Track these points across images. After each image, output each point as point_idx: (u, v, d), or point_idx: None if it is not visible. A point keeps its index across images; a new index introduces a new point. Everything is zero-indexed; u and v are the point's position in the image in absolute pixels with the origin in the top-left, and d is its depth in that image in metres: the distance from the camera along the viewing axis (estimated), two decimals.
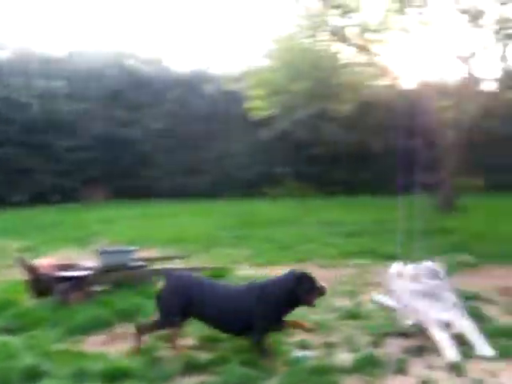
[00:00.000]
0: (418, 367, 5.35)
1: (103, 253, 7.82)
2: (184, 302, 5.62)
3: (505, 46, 15.27)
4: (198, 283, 5.82)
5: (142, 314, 6.77)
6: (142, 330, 5.74)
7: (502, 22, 14.66)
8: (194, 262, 9.66)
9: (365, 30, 15.27)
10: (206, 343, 5.93)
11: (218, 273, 8.65)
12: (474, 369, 5.30)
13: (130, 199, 20.44)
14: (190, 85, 22.93)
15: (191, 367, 5.27)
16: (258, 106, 17.58)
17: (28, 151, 20.88)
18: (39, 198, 20.57)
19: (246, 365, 5.23)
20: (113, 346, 5.91)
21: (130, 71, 22.82)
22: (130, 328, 6.34)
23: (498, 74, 15.82)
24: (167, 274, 5.99)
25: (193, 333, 6.19)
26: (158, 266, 8.51)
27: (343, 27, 15.66)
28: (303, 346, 5.87)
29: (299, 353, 5.73)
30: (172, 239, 12.31)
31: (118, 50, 23.27)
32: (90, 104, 21.51)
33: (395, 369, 5.28)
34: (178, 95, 22.63)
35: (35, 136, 20.98)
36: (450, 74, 20.37)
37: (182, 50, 46.55)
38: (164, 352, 5.65)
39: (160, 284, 6.28)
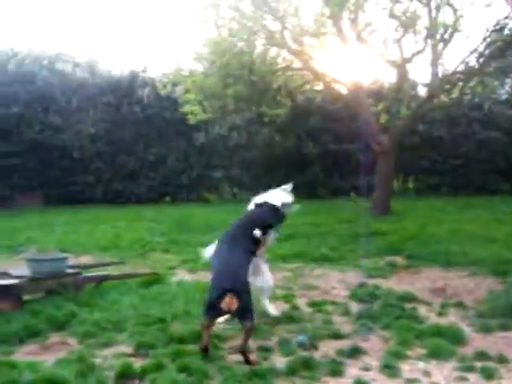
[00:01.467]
0: (353, 369, 5.45)
1: (32, 260, 7.66)
2: None
3: (436, 50, 15.66)
4: None
5: (76, 322, 6.69)
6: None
7: (433, 28, 15.04)
8: (129, 268, 9.60)
9: (300, 34, 15.37)
10: (140, 349, 5.87)
11: (153, 278, 8.60)
12: (407, 369, 5.43)
13: (64, 206, 20.04)
14: (125, 89, 22.67)
15: (126, 375, 5.22)
16: (194, 111, 17.52)
17: None
18: None
19: (182, 371, 5.22)
20: (46, 356, 5.78)
21: (63, 74, 22.39)
22: (62, 337, 6.29)
23: (430, 79, 16.17)
24: None
25: (125, 341, 6.16)
26: (91, 272, 8.43)
27: (279, 31, 15.75)
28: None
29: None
30: (107, 245, 12.14)
31: (50, 52, 22.78)
32: (20, 108, 20.98)
33: (330, 371, 5.34)
34: (112, 99, 22.34)
35: None
36: (385, 78, 20.86)
37: (117, 54, 46.06)
38: (99, 360, 5.58)
39: None
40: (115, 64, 24.29)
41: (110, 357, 5.70)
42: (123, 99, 22.39)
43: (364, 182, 18.69)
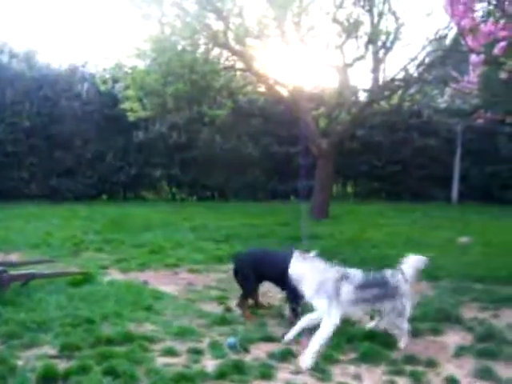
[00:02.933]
0: (283, 372, 5.40)
1: None
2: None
3: (377, 57, 15.82)
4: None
5: (0, 321, 6.41)
6: (241, 304, 7.23)
7: (375, 34, 15.18)
8: (60, 267, 9.32)
9: (244, 35, 15.29)
10: (65, 351, 5.66)
11: (83, 278, 8.36)
12: (338, 373, 5.43)
13: None
14: (64, 83, 22.14)
15: (48, 377, 5.02)
16: (133, 108, 17.23)
17: None
18: None
19: (108, 374, 5.07)
20: None
21: None
22: None
23: (370, 85, 16.35)
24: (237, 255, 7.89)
25: (50, 342, 5.93)
26: (19, 271, 8.13)
27: (222, 31, 15.64)
28: (168, 352, 5.76)
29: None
30: (38, 243, 11.77)
31: None
32: None
33: (260, 374, 5.28)
34: (50, 93, 21.78)
35: None
36: (326, 83, 20.97)
37: (57, 46, 45.08)
38: (22, 361, 5.36)
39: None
40: (54, 57, 23.72)
41: (32, 358, 5.49)
42: (62, 94, 21.85)
43: (304, 185, 18.74)
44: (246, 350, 5.89)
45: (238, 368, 5.36)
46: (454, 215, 17.90)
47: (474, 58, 8.11)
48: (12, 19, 43.74)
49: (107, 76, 19.19)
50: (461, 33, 8.90)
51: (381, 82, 16.10)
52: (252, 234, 13.41)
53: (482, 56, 7.94)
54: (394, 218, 16.94)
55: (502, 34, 7.49)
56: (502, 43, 7.61)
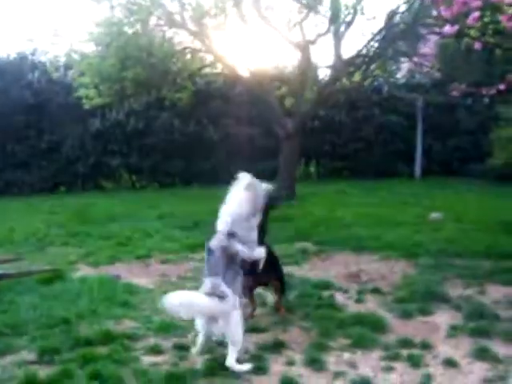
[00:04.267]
0: (276, 364, 5.17)
1: None
2: None
3: (338, 33, 15.63)
4: None
5: None
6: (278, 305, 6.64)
7: (336, 10, 14.97)
8: (27, 264, 8.90)
9: (200, 14, 14.91)
10: (44, 356, 5.32)
11: (53, 275, 7.96)
12: (333, 361, 5.23)
13: None
14: (14, 72, 21.38)
15: None
16: (89, 95, 16.70)
17: None
18: None
19: (94, 378, 4.77)
20: None
21: None
22: None
23: (333, 61, 16.14)
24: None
25: (27, 346, 5.58)
26: None
27: (178, 12, 15.23)
28: (153, 350, 5.46)
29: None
30: (0, 240, 11.30)
31: None
32: None
33: (253, 368, 5.04)
34: None
35: None
36: (288, 62, 20.72)
37: (2, 35, 43.73)
38: None
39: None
40: (1, 46, 22.90)
41: (9, 366, 5.14)
42: (12, 84, 21.09)
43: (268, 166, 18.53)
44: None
45: None
46: (419, 191, 17.88)
47: (447, 28, 7.97)
48: None
49: (59, 63, 18.56)
50: (434, 2, 8.79)
51: (344, 58, 15.89)
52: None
53: (456, 27, 7.80)
54: (361, 196, 16.85)
55: (476, 3, 7.37)
56: (476, 13, 7.50)
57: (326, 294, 7.24)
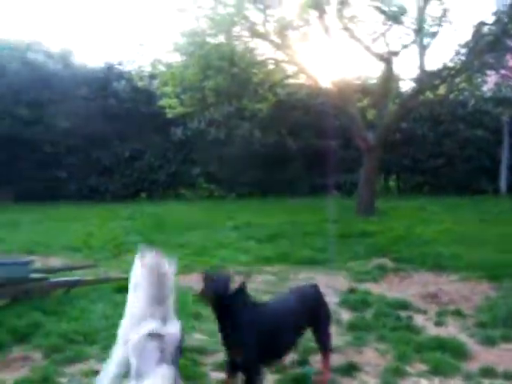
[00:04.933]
0: None
1: None
2: None
3: (423, 44, 15.24)
4: None
5: (41, 333, 6.06)
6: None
7: (422, 21, 14.61)
8: (102, 272, 8.98)
9: (283, 26, 14.83)
10: None
11: (127, 284, 7.96)
12: None
13: (34, 202, 19.25)
14: (100, 81, 21.96)
15: None
16: (171, 104, 16.89)
17: None
18: None
19: None
20: (5, 374, 5.17)
21: (35, 66, 21.55)
22: (25, 351, 5.67)
23: (416, 74, 15.76)
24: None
25: (96, 355, 5.54)
26: (60, 277, 7.78)
27: (261, 23, 15.21)
28: (222, 366, 5.29)
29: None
30: (78, 246, 11.44)
31: (21, 42, 21.91)
32: None
33: None
34: (86, 92, 21.60)
35: None
36: (371, 73, 20.40)
37: (92, 45, 45.14)
38: (65, 379, 4.99)
39: None
40: (90, 56, 23.61)
41: (78, 375, 5.12)
42: (98, 92, 21.65)
43: (347, 180, 18.28)
44: (307, 363, 5.43)
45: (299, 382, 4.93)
46: (504, 208, 17.11)
47: None
48: (46, 19, 43.94)
49: (144, 73, 18.87)
50: None
51: (428, 70, 15.48)
52: (297, 232, 12.88)
53: None
54: (441, 213, 16.24)
55: None
56: None
57: (403, 314, 6.94)
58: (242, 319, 4.42)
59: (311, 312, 4.98)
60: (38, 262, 9.20)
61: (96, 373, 5.09)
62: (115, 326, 6.14)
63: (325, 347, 5.07)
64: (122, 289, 7.63)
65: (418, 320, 6.81)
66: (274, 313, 4.73)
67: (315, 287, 5.23)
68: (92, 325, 6.30)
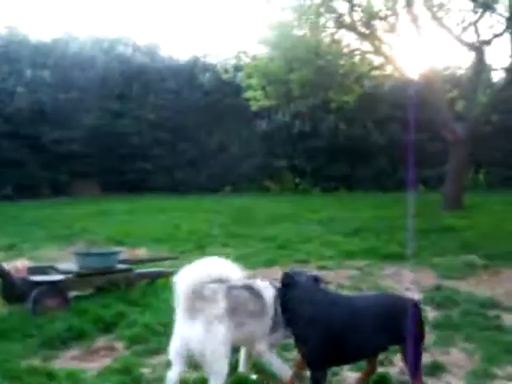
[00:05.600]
0: None
1: (80, 254, 7.11)
2: None
3: None
4: None
5: (125, 323, 6.09)
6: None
7: None
8: (185, 263, 8.99)
9: (370, 16, 14.53)
10: None
11: None
12: None
13: (121, 194, 19.68)
14: (186, 74, 22.21)
15: None
16: (256, 97, 16.86)
17: (14, 142, 20.03)
18: (26, 192, 19.78)
19: None
20: (90, 363, 5.22)
21: (123, 59, 22.00)
22: (109, 341, 5.71)
23: (509, 63, 15.10)
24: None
25: None
26: (145, 268, 7.84)
27: (347, 13, 14.95)
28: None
29: None
30: (164, 237, 11.60)
31: (110, 35, 22.44)
32: (78, 94, 20.69)
33: None
34: (173, 85, 21.88)
35: (21, 127, 20.16)
36: (461, 63, 19.75)
37: (178, 38, 45.74)
38: (147, 370, 4.95)
39: None
40: (176, 48, 23.90)
41: (159, 366, 5.06)
42: (184, 85, 21.88)
43: (435, 174, 17.75)
44: (390, 362, 5.19)
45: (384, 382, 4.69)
46: None
47: None
48: (134, 13, 44.84)
49: (229, 65, 18.92)
50: None
51: None
52: (383, 227, 12.57)
53: None
54: None
55: None
56: None
57: (492, 313, 6.56)
58: (306, 314, 4.21)
59: (395, 327, 4.29)
60: (125, 252, 9.33)
61: None
62: None
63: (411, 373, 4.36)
64: None
65: (508, 320, 6.43)
66: (347, 313, 4.31)
67: (413, 303, 4.54)
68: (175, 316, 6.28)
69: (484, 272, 8.96)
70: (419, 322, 4.42)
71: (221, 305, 4.25)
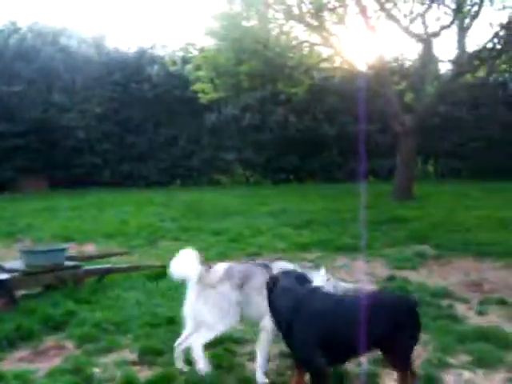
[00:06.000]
0: (388, 380, 4.67)
1: (26, 252, 6.91)
2: None
3: (462, 25, 14.80)
4: None
5: (75, 322, 5.94)
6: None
7: (462, 1, 14.17)
8: (135, 259, 8.86)
9: (319, 7, 14.53)
10: (146, 356, 5.11)
11: (161, 271, 7.81)
12: (451, 380, 4.70)
13: (69, 189, 19.26)
14: (133, 66, 21.86)
15: None
16: (205, 89, 16.72)
17: None
18: None
19: None
20: (39, 363, 5.06)
21: (68, 51, 21.53)
22: (58, 340, 5.55)
23: (456, 55, 15.31)
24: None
25: (129, 345, 5.41)
26: (94, 265, 7.67)
27: (296, 4, 14.92)
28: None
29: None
30: (113, 232, 11.37)
31: (54, 27, 21.90)
32: (22, 86, 20.16)
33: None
34: (120, 77, 21.52)
35: None
36: (409, 55, 19.96)
37: (124, 30, 45.14)
38: (99, 369, 4.83)
39: None
40: (122, 40, 23.53)
41: (110, 365, 4.96)
42: (131, 77, 21.55)
43: (385, 165, 17.94)
44: None
45: (341, 377, 4.65)
46: None
47: None
48: (79, 4, 44.06)
49: (177, 57, 18.71)
50: None
51: (468, 51, 15.03)
52: (335, 219, 12.63)
53: None
54: (482, 198, 15.81)
55: None
56: None
57: (444, 303, 6.64)
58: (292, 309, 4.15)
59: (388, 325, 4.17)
60: (73, 249, 9.14)
61: (128, 363, 4.99)
62: (148, 314, 6.06)
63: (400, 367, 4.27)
64: (155, 277, 7.53)
65: (460, 309, 6.51)
66: (337, 307, 4.23)
67: (408, 301, 4.53)
68: (125, 314, 6.16)
69: (435, 262, 9.08)
70: (416, 322, 4.32)
71: (217, 274, 4.86)
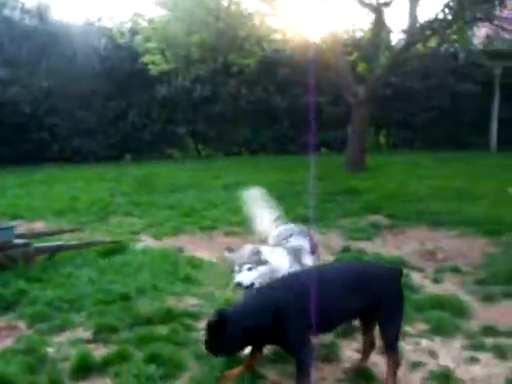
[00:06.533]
0: (347, 350, 4.76)
1: None
2: None
3: None
4: None
5: (26, 301, 5.80)
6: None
7: None
8: (87, 236, 8.69)
9: None
10: (100, 334, 5.04)
11: (113, 247, 7.69)
12: (409, 349, 4.79)
13: (16, 165, 18.73)
14: (80, 38, 21.24)
15: (83, 367, 4.39)
16: (155, 61, 16.42)
17: None
18: None
19: (151, 361, 4.43)
20: None
21: (10, 22, 20.80)
22: (9, 320, 5.41)
23: (407, 26, 15.34)
24: None
25: (83, 323, 5.32)
26: (44, 242, 7.49)
27: None
28: None
29: None
30: (63, 209, 11.09)
31: None
32: None
33: (324, 356, 4.63)
34: (66, 50, 20.91)
35: None
36: (360, 25, 19.90)
37: (69, 1, 43.95)
38: (52, 349, 4.75)
39: None
40: (67, 12, 22.84)
41: (65, 344, 4.89)
42: (78, 50, 20.96)
43: (336, 136, 17.96)
44: None
45: None
46: (495, 163, 16.88)
47: None
48: None
49: (125, 29, 18.31)
50: None
51: (419, 22, 15.07)
52: (288, 190, 12.57)
53: None
54: (434, 168, 16.02)
55: None
56: None
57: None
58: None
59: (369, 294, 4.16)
60: (22, 226, 8.93)
61: (83, 341, 4.89)
62: (101, 291, 5.96)
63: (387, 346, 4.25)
64: (107, 253, 7.42)
65: (416, 278, 6.66)
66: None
67: (393, 271, 4.51)
68: (78, 291, 6.06)
69: (389, 232, 9.20)
70: (399, 291, 4.31)
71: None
